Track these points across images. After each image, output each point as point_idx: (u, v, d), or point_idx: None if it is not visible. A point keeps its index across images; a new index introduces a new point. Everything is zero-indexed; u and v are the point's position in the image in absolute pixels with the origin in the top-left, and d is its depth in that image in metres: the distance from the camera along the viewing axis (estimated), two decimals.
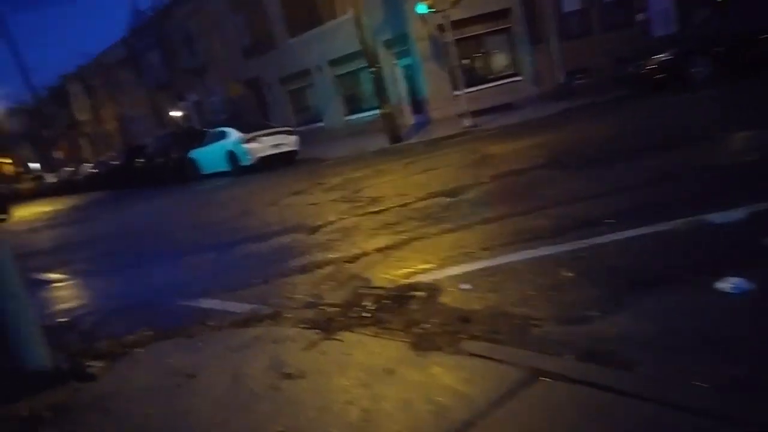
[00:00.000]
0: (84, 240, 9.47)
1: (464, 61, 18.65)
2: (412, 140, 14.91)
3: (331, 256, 4.91)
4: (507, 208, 5.26)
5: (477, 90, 18.38)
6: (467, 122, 14.98)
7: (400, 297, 3.66)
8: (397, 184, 7.70)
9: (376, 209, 6.26)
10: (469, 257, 4.09)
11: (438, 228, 5.02)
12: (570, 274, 3.37)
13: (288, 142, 16.02)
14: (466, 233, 4.74)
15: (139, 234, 8.82)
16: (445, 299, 3.47)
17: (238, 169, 15.66)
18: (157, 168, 19.85)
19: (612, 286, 3.05)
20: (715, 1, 19.90)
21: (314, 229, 5.94)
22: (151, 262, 6.19)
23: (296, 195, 8.82)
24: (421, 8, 14.64)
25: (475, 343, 2.76)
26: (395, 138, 14.65)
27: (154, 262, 6.16)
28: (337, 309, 3.78)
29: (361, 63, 21.03)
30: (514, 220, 4.81)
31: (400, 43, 19.14)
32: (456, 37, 18.36)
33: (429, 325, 3.09)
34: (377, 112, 21.22)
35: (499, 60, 19.80)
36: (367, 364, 2.72)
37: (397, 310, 3.47)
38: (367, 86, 21.74)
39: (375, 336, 3.10)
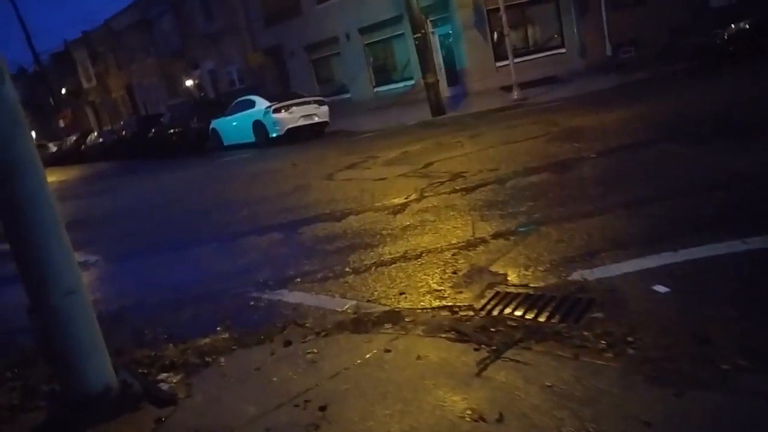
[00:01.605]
0: (106, 215, 8.67)
1: (505, 31, 17.59)
2: (456, 112, 13.95)
3: (433, 241, 4.07)
4: (645, 188, 4.39)
5: (520, 62, 17.28)
6: (516, 95, 14.00)
7: (569, 301, 2.83)
8: (474, 158, 6.81)
9: (466, 186, 5.40)
10: (633, 250, 3.24)
11: (565, 210, 4.15)
12: None
13: (319, 113, 15.09)
14: (608, 218, 3.88)
15: (172, 209, 8.01)
16: (639, 306, 2.63)
17: (265, 141, 14.77)
18: (175, 138, 18.97)
19: None
20: None
21: (397, 208, 5.09)
22: (197, 243, 5.38)
23: (351, 169, 7.96)
24: None
25: (757, 379, 1.93)
26: (439, 110, 13.69)
27: (201, 243, 5.35)
28: (477, 312, 2.96)
29: (393, 31, 20.07)
30: (665, 204, 3.93)
31: (438, 10, 18.03)
32: (496, 6, 17.30)
33: (649, 346, 2.25)
34: (409, 83, 20.38)
35: (544, 30, 18.68)
36: (605, 409, 1.88)
37: (575, 319, 2.64)
38: (400, 56, 20.71)
39: (574, 359, 2.27)
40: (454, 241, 4.00)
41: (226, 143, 16.68)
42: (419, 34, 13.42)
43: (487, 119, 11.34)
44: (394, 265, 3.80)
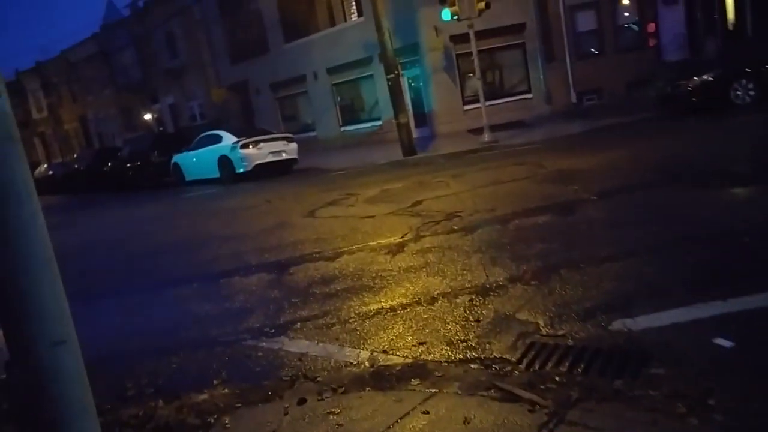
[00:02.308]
0: (67, 251, 7.95)
1: (476, 75, 17.95)
2: (428, 153, 13.92)
3: (443, 285, 3.78)
4: (661, 232, 4.24)
5: (489, 105, 17.57)
6: (487, 137, 14.09)
7: (618, 355, 2.56)
8: (464, 197, 6.62)
9: (464, 226, 5.16)
10: (675, 297, 3.03)
11: (583, 253, 3.95)
12: None
13: (288, 150, 14.78)
14: (635, 263, 3.69)
15: (140, 245, 7.44)
16: (704, 363, 2.38)
17: (230, 177, 14.30)
18: (133, 172, 18.22)
19: None
20: (727, 30, 20.04)
21: (394, 248, 4.79)
22: (175, 283, 4.90)
23: (333, 206, 7.63)
24: (446, 15, 13.76)
25: None
26: (410, 150, 13.62)
27: (180, 282, 4.88)
28: (515, 367, 2.66)
29: (362, 72, 20.20)
30: (692, 248, 3.77)
31: (408, 53, 18.26)
32: (466, 50, 17.68)
33: (739, 412, 2.00)
34: (376, 123, 20.41)
35: (512, 76, 19.16)
36: None
37: (631, 375, 2.37)
38: (368, 96, 20.79)
39: (652, 424, 1.99)
40: (467, 286, 3.72)
41: (188, 178, 16.11)
42: (392, 75, 13.44)
43: (463, 160, 11.29)
44: (405, 311, 3.47)
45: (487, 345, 2.91)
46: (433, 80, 18.42)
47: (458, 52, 17.95)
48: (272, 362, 3.05)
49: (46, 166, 28.74)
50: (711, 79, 12.95)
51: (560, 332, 2.91)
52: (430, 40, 17.71)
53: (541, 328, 3.00)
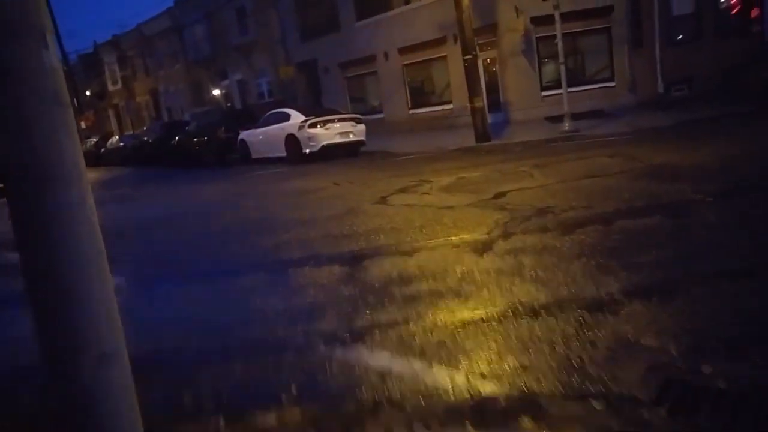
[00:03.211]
0: (130, 226, 7.92)
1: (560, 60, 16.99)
2: (503, 140, 13.23)
3: (544, 295, 3.27)
4: None
5: (568, 92, 16.62)
6: (568, 126, 13.25)
7: None
8: (553, 191, 6.04)
9: (560, 224, 4.61)
10: None
11: (711, 265, 3.34)
12: None
13: (356, 132, 14.46)
14: None
15: (206, 225, 7.28)
16: None
17: (297, 156, 14.14)
18: (200, 147, 18.44)
19: None
20: None
21: (480, 246, 4.31)
22: (241, 270, 4.63)
23: (405, 193, 7.21)
24: None
25: None
26: (484, 136, 12.99)
27: (246, 270, 4.60)
28: (650, 409, 2.16)
29: (435, 53, 19.58)
30: None
31: (485, 34, 17.45)
32: (547, 34, 16.71)
33: None
34: (447, 107, 19.78)
35: (594, 62, 18.04)
36: None
37: None
38: (439, 79, 20.16)
39: None
40: (573, 298, 3.20)
41: (254, 156, 16.10)
42: (470, 56, 12.80)
43: (542, 150, 10.58)
44: (501, 325, 3.00)
45: (611, 377, 2.40)
46: (510, 64, 17.59)
47: (538, 35, 17.04)
48: (350, 378, 2.67)
49: (117, 137, 29.82)
50: None
51: (704, 368, 2.37)
52: (510, 20, 16.85)
53: (675, 359, 2.46)
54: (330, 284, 3.94)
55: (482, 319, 3.10)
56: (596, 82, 17.96)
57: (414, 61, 20.35)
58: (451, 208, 5.76)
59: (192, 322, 3.63)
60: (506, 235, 4.51)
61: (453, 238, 4.64)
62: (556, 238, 4.30)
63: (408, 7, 20.51)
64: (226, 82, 30.86)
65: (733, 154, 6.92)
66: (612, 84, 17.94)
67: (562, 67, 13.40)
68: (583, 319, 2.94)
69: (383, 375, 2.65)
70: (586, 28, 17.24)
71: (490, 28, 17.35)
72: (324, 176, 10.37)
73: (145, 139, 23.71)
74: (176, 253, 5.74)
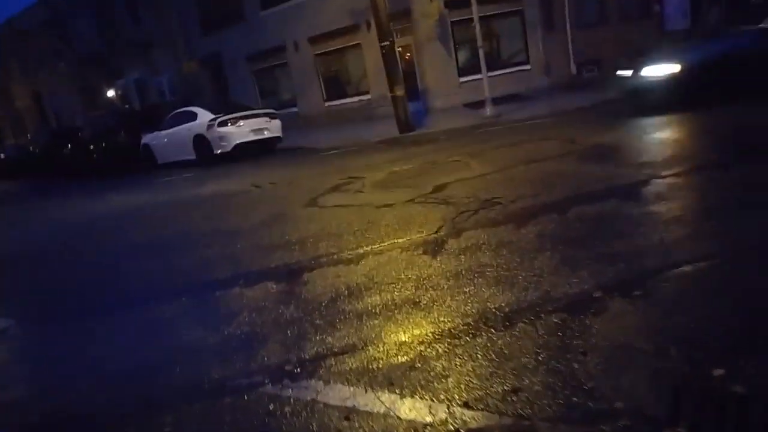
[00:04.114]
0: (20, 254, 6.94)
1: (470, 45, 17.11)
2: (427, 129, 13.08)
3: (515, 298, 3.01)
4: None
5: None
6: (489, 111, 13.30)
7: None
8: (495, 180, 5.84)
9: (511, 216, 4.38)
10: None
11: (685, 253, 3.20)
12: None
13: (271, 127, 13.80)
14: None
15: (112, 245, 6.50)
16: None
17: (208, 158, 13.29)
18: (97, 155, 16.98)
19: None
20: None
21: (430, 246, 4.00)
22: (159, 298, 4.04)
23: (336, 192, 6.78)
24: None
25: None
26: (407, 126, 12.76)
27: (165, 297, 4.03)
28: (670, 429, 1.91)
29: (348, 41, 19.13)
30: None
31: (398, 20, 17.21)
32: (461, 18, 16.78)
33: None
34: (365, 98, 19.41)
35: (509, 46, 18.36)
36: None
37: None
38: (354, 68, 19.75)
39: None
40: (548, 299, 2.94)
41: (160, 161, 15.02)
42: (387, 43, 12.50)
43: (470, 137, 10.49)
44: (476, 339, 2.69)
45: (613, 391, 2.14)
46: (426, 50, 17.51)
47: (453, 20, 17.05)
48: (307, 422, 2.25)
49: None
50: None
51: (714, 371, 2.16)
52: (424, 5, 16.73)
53: (678, 362, 2.24)
54: (267, 306, 3.47)
55: (452, 332, 2.77)
56: (512, 65, 18.28)
57: (326, 50, 19.82)
58: (390, 206, 5.41)
59: (102, 370, 3.05)
60: (457, 232, 4.22)
61: (399, 239, 4.29)
62: (512, 231, 4.06)
63: None
64: (122, 82, 28.80)
65: (661, 133, 7.04)
66: (528, 67, 18.33)
67: (481, 52, 13.40)
68: (565, 323, 2.68)
69: (348, 415, 2.25)
70: (499, 11, 17.47)
71: (404, 13, 17.16)
72: (242, 178, 9.71)
73: (31, 149, 21.67)
74: (78, 282, 4.99)
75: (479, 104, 14.42)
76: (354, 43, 18.89)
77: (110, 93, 29.31)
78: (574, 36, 18.38)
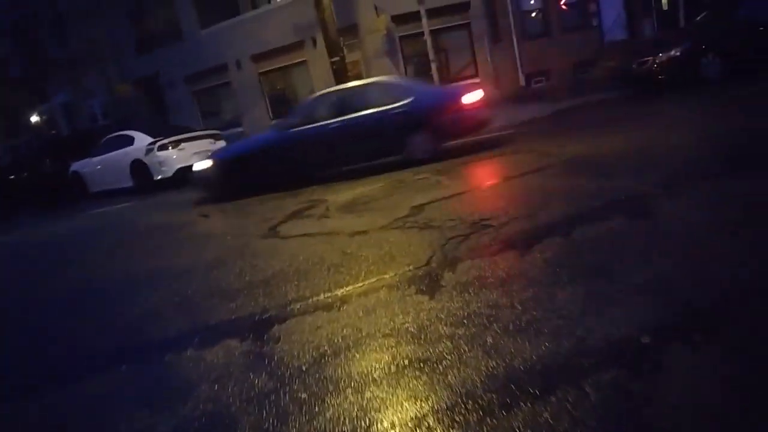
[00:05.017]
0: None
1: (419, 59, 16.84)
2: None
3: (552, 350, 2.44)
4: None
5: None
6: None
7: None
8: (476, 199, 5.31)
9: (510, 241, 3.83)
10: None
11: (732, 277, 2.72)
12: None
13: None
14: None
15: (36, 296, 5.54)
16: None
17: (147, 185, 12.29)
18: (20, 186, 15.56)
19: None
20: (662, 10, 20.42)
21: (425, 283, 3.38)
22: (93, 369, 3.26)
23: (298, 219, 6.09)
24: None
25: None
26: None
27: (101, 367, 3.25)
28: None
29: (294, 58, 18.48)
30: None
31: (345, 35, 16.74)
32: (409, 32, 16.53)
33: None
34: None
35: (458, 59, 18.19)
36: None
37: None
38: (301, 85, 19.08)
39: None
40: (589, 351, 2.38)
41: (93, 190, 13.86)
42: (337, 58, 11.96)
43: None
44: (514, 414, 2.08)
45: None
46: (374, 65, 17.09)
47: (401, 34, 16.73)
48: None
49: None
50: (678, 54, 12.57)
51: None
52: (371, 21, 16.33)
53: None
54: (233, 374, 2.75)
55: (480, 404, 2.16)
56: (462, 78, 18.10)
57: (271, 68, 19.09)
58: (364, 233, 4.77)
59: None
60: (450, 264, 3.63)
61: (384, 275, 3.66)
62: (515, 260, 3.51)
63: (257, 11, 19.23)
64: (47, 106, 27.00)
65: (639, 141, 6.73)
66: (477, 80, 18.19)
67: (434, 66, 13.05)
68: (624, 386, 2.11)
69: None
70: (446, 25, 17.30)
71: (351, 29, 16.71)
72: (187, 207, 8.85)
73: None
74: None
75: None
76: (299, 60, 18.31)
77: (35, 118, 27.42)
78: (521, 48, 18.44)
